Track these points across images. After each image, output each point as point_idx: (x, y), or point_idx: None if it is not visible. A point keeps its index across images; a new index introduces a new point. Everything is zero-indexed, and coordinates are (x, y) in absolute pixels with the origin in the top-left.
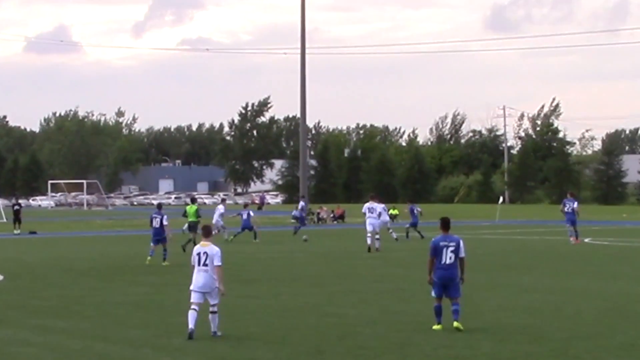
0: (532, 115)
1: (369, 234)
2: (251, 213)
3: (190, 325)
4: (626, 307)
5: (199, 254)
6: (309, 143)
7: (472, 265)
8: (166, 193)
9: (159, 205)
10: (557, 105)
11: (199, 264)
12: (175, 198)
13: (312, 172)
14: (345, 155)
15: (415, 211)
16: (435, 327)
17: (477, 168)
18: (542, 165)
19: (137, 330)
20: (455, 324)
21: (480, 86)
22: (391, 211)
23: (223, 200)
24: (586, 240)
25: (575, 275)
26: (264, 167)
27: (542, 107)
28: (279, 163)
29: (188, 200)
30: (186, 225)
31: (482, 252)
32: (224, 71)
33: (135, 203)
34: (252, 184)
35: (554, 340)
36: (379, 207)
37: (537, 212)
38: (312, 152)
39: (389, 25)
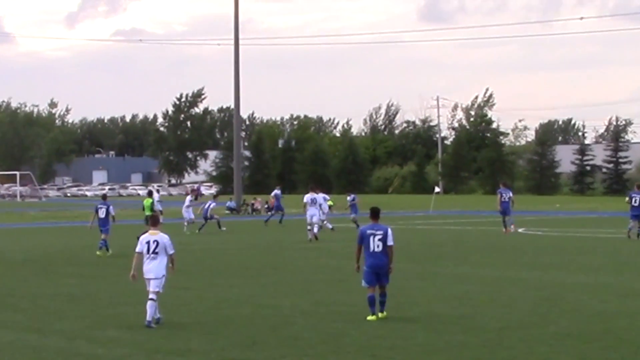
0: (465, 105)
1: (309, 226)
2: (212, 204)
3: (149, 317)
4: (559, 297)
5: (148, 242)
6: (243, 134)
7: (406, 255)
8: (100, 184)
9: (104, 196)
10: (490, 96)
11: (148, 252)
12: (109, 189)
13: (246, 163)
14: (280, 146)
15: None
16: (370, 317)
17: (411, 159)
18: (475, 156)
19: (70, 322)
20: (381, 314)
21: (414, 77)
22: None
23: (193, 191)
24: (520, 230)
25: (509, 265)
26: (198, 158)
27: (476, 97)
28: (213, 154)
29: (121, 192)
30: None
31: (416, 243)
32: (157, 62)
33: (68, 194)
34: (186, 175)
35: (488, 330)
36: (320, 197)
37: (471, 202)
38: (246, 143)
39: (323, 16)
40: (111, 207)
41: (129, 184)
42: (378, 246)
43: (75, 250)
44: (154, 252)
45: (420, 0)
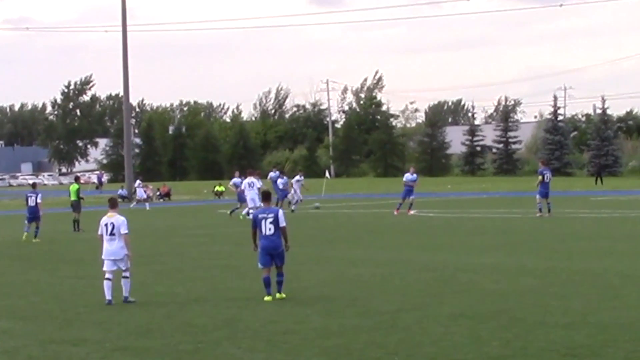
0: (355, 88)
1: (251, 209)
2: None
3: (108, 297)
4: (453, 278)
5: (106, 225)
6: (133, 121)
7: (299, 239)
8: None
9: (34, 185)
10: (379, 78)
11: (106, 234)
12: None
13: (136, 150)
14: (170, 132)
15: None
16: (266, 298)
17: (302, 143)
18: (366, 139)
19: None
20: (278, 295)
21: (303, 61)
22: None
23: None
24: (412, 212)
25: (402, 247)
26: (88, 146)
27: (365, 80)
28: (103, 142)
29: (12, 182)
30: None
31: (308, 227)
32: (46, 50)
33: None
34: (76, 163)
35: (382, 312)
36: (259, 182)
37: (362, 185)
38: (136, 130)
39: (213, 1)
40: (39, 195)
41: (19, 174)
42: (270, 229)
43: None
44: (111, 234)
45: None
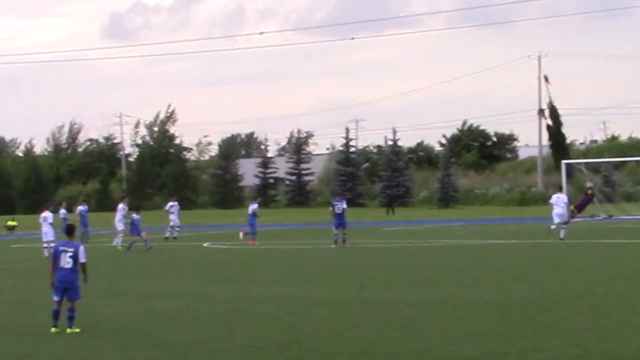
0: (148, 122)
1: (45, 242)
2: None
3: None
4: (246, 309)
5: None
6: None
7: (92, 273)
8: None
9: None
10: (173, 112)
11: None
12: None
13: None
14: None
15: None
16: (53, 330)
17: (95, 176)
18: (160, 172)
19: None
20: (69, 330)
21: (97, 95)
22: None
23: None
24: (205, 244)
25: (195, 279)
26: None
27: (158, 114)
28: None
29: None
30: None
31: (102, 261)
32: None
33: None
34: None
35: (175, 345)
36: (51, 216)
37: (155, 218)
38: None
39: (5, 35)
40: None
41: None
42: (68, 262)
43: None
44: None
45: (104, 18)
